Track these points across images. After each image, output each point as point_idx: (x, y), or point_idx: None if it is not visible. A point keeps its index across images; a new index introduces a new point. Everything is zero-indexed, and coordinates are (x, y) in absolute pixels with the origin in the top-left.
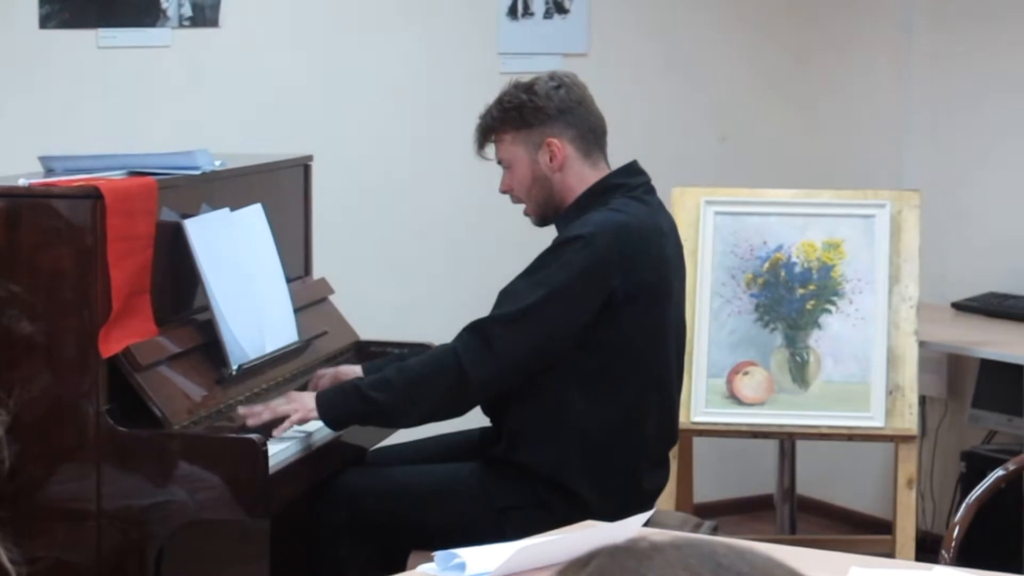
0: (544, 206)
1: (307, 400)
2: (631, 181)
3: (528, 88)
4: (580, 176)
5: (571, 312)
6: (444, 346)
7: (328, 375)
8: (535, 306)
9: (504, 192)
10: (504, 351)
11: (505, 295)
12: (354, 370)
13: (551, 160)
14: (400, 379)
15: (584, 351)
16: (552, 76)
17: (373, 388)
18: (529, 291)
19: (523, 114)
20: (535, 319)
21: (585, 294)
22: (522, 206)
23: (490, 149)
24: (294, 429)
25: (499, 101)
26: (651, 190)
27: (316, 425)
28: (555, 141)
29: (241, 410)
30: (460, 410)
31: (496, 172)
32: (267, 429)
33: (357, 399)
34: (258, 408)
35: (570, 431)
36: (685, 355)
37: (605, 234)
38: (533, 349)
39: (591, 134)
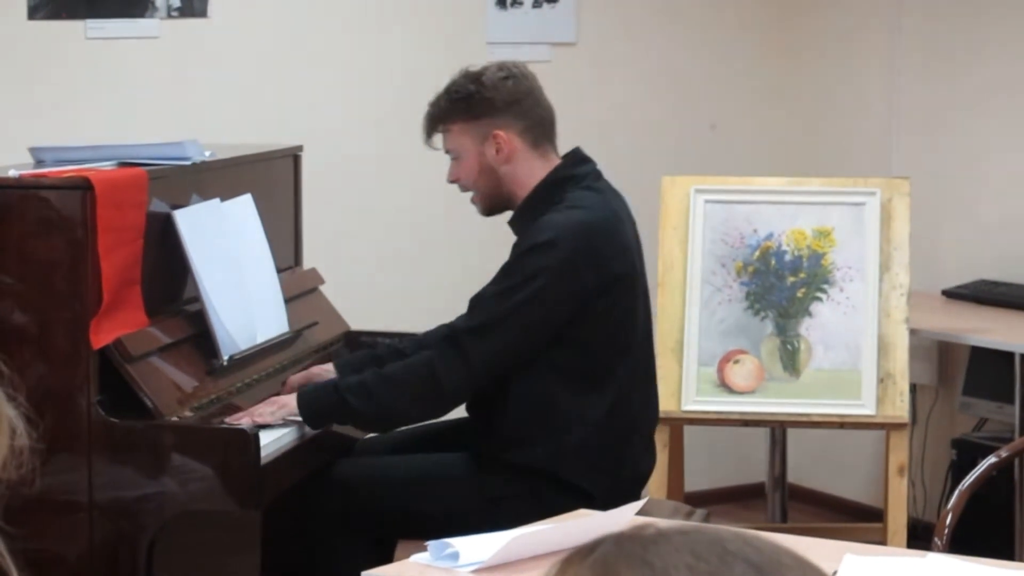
0: (491, 197)
1: (288, 399)
2: (580, 171)
3: (476, 78)
4: (529, 168)
5: (544, 317)
6: (420, 356)
7: (298, 378)
8: (507, 315)
9: (452, 182)
10: (478, 361)
11: (477, 302)
12: (326, 369)
13: (498, 152)
14: (377, 387)
15: (566, 348)
16: (501, 67)
17: (351, 392)
18: (500, 300)
19: (471, 105)
20: (508, 328)
21: (558, 298)
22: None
23: (438, 139)
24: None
25: (447, 91)
26: (599, 176)
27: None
28: (501, 134)
29: (228, 420)
30: (435, 416)
31: None
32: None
33: (335, 401)
34: (240, 415)
35: (561, 427)
36: (676, 344)
37: (569, 235)
38: (507, 356)
39: (539, 126)
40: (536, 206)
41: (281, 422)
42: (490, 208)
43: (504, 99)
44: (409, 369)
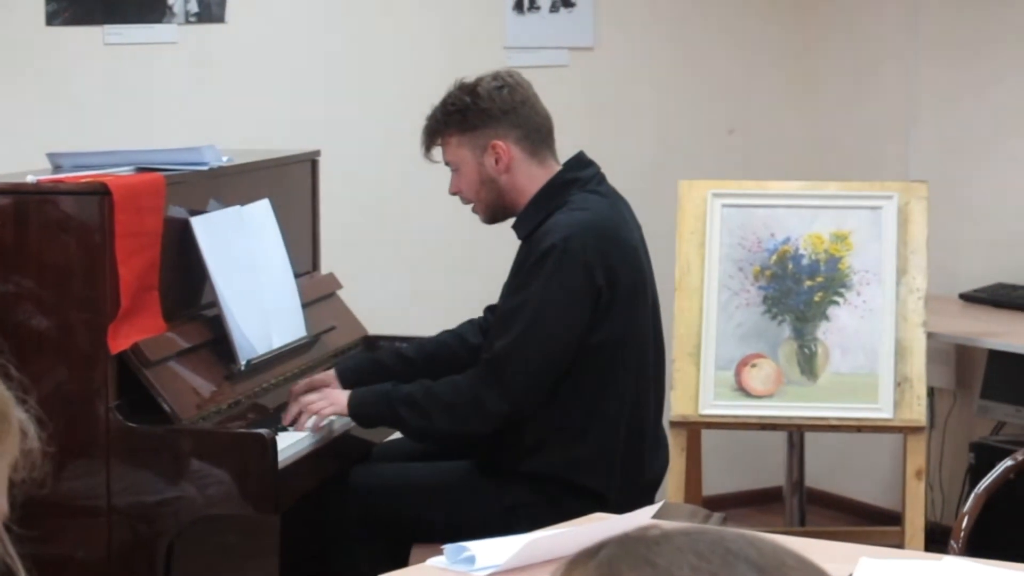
0: (493, 207)
1: (339, 397)
2: (583, 174)
3: (471, 90)
4: (529, 176)
5: (569, 321)
6: (467, 381)
7: (300, 386)
8: (532, 329)
9: (453, 194)
10: (519, 385)
11: (502, 318)
12: (327, 376)
13: (496, 162)
14: (427, 405)
15: (583, 355)
16: (495, 76)
17: (403, 404)
18: (521, 314)
19: (467, 116)
20: (536, 341)
21: (575, 300)
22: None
23: (437, 152)
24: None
25: (443, 103)
26: (603, 179)
27: (325, 420)
28: (500, 143)
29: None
30: (481, 435)
31: None
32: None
33: (386, 409)
34: (293, 408)
35: (576, 433)
36: (694, 348)
37: (577, 236)
38: (543, 369)
39: (536, 133)
40: (541, 209)
41: (329, 420)
42: (492, 217)
43: (500, 108)
44: (457, 392)
